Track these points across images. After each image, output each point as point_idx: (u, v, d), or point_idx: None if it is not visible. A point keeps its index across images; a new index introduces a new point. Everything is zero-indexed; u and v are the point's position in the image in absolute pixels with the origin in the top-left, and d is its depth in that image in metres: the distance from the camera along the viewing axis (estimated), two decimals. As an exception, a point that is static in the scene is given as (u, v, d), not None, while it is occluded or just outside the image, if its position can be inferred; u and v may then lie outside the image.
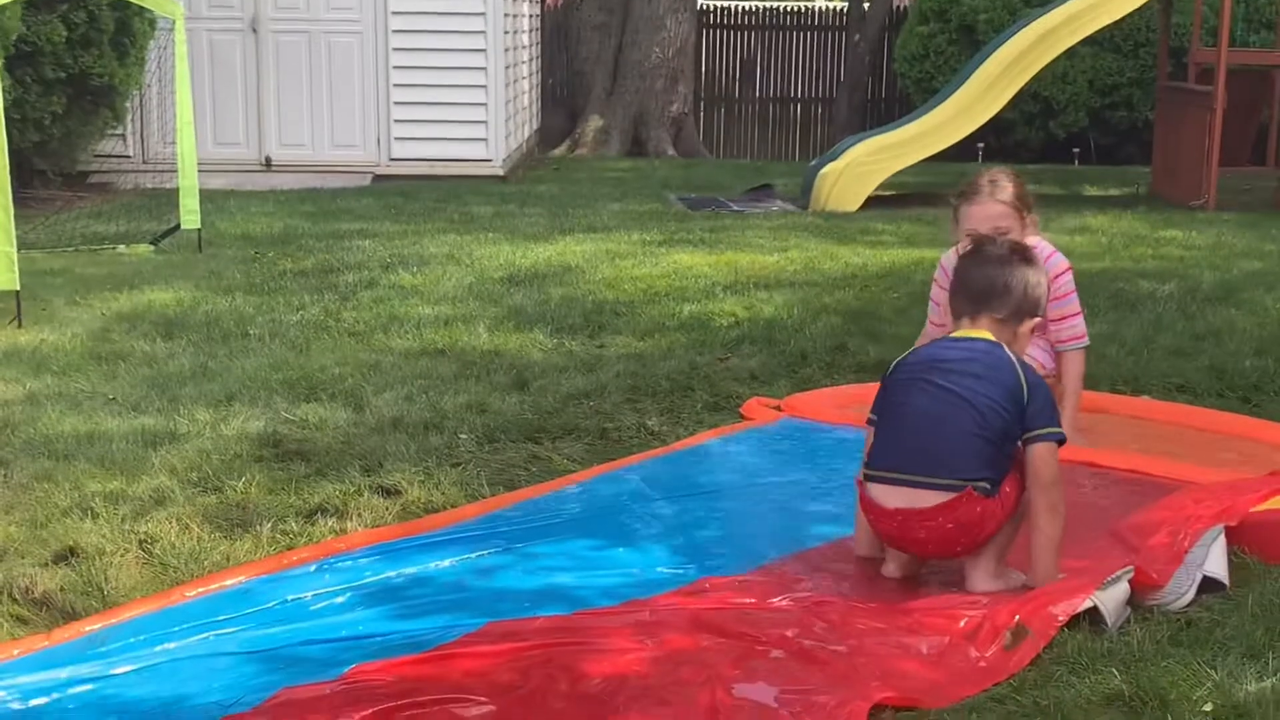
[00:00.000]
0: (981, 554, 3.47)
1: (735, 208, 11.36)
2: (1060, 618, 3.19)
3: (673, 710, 2.80)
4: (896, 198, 11.48)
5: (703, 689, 2.88)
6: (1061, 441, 3.49)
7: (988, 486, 3.41)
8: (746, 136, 19.04)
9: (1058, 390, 4.46)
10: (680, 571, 3.60)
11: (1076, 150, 15.56)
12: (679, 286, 7.34)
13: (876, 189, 11.14)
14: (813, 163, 12.14)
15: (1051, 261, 4.59)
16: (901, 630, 3.20)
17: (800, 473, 4.44)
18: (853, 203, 10.89)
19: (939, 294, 4.81)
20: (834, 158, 11.31)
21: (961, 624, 3.20)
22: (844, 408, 5.01)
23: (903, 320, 6.36)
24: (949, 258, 4.67)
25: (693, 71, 18.19)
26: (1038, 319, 3.72)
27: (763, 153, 18.68)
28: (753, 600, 3.37)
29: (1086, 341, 4.77)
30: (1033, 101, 15.22)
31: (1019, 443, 3.48)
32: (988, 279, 3.64)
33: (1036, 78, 12.01)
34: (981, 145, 14.72)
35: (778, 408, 5.14)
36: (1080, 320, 4.76)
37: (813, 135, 18.86)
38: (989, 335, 3.59)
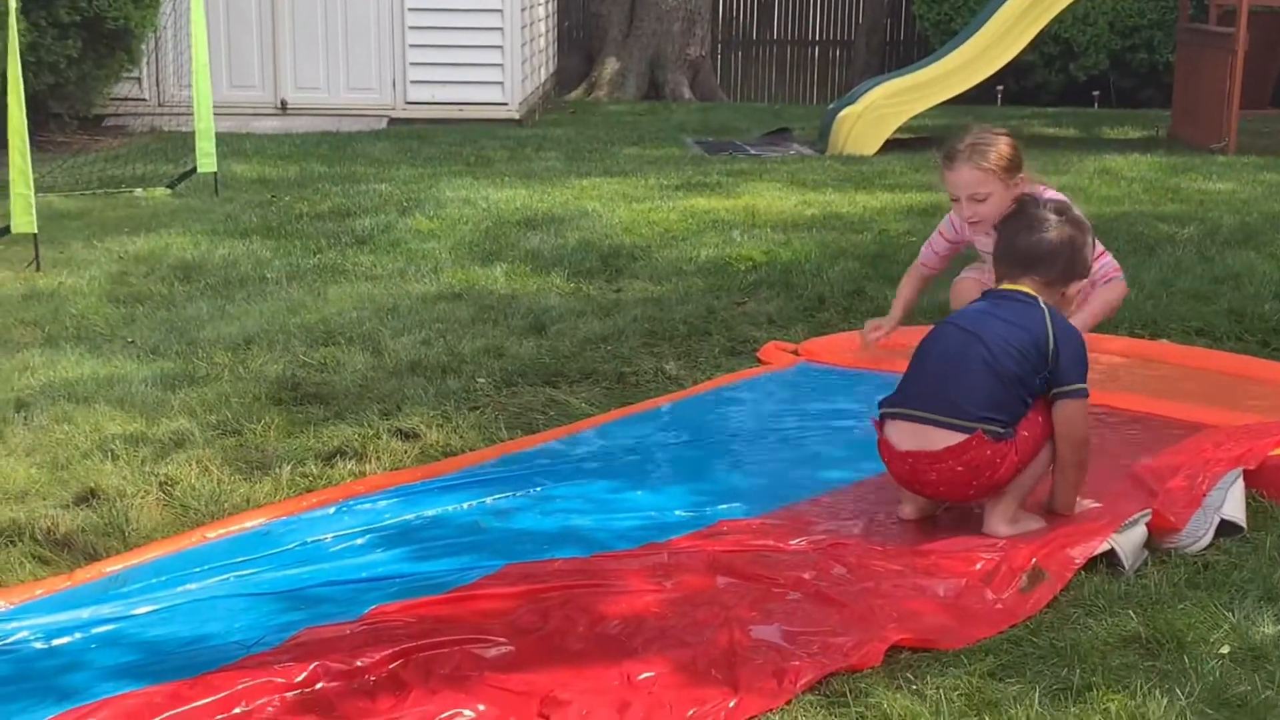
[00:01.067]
0: (1000, 498, 3.47)
1: (752, 151, 11.30)
2: (1077, 560, 3.20)
3: (690, 651, 2.81)
4: (915, 141, 11.40)
5: (720, 630, 2.90)
6: (1084, 396, 3.50)
7: (999, 430, 3.41)
8: (764, 79, 18.90)
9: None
10: (697, 514, 3.61)
11: (1096, 93, 15.43)
12: (696, 230, 7.31)
13: (895, 132, 11.07)
14: (830, 106, 12.06)
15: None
16: (918, 572, 3.21)
17: (817, 417, 4.44)
18: (871, 146, 10.82)
19: (938, 241, 4.69)
20: (852, 101, 11.24)
21: (978, 566, 3.21)
22: (861, 352, 5.00)
23: (921, 264, 6.33)
24: (944, 223, 4.66)
25: (710, 14, 18.05)
26: (1085, 280, 3.75)
27: (780, 96, 18.55)
28: (770, 543, 3.38)
29: (1121, 275, 4.49)
30: (1053, 43, 15.08)
31: (1047, 396, 3.48)
32: (1032, 245, 3.65)
33: (1057, 19, 11.89)
34: (1001, 88, 14.61)
35: (795, 352, 5.14)
36: (1108, 259, 4.47)
37: (831, 78, 18.72)
38: (1030, 290, 3.61)
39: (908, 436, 3.48)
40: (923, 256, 4.79)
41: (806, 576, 3.17)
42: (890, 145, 10.91)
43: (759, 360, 5.07)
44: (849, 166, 10.00)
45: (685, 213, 7.83)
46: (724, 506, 3.67)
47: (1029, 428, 3.46)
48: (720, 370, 4.94)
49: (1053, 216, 3.68)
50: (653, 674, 2.73)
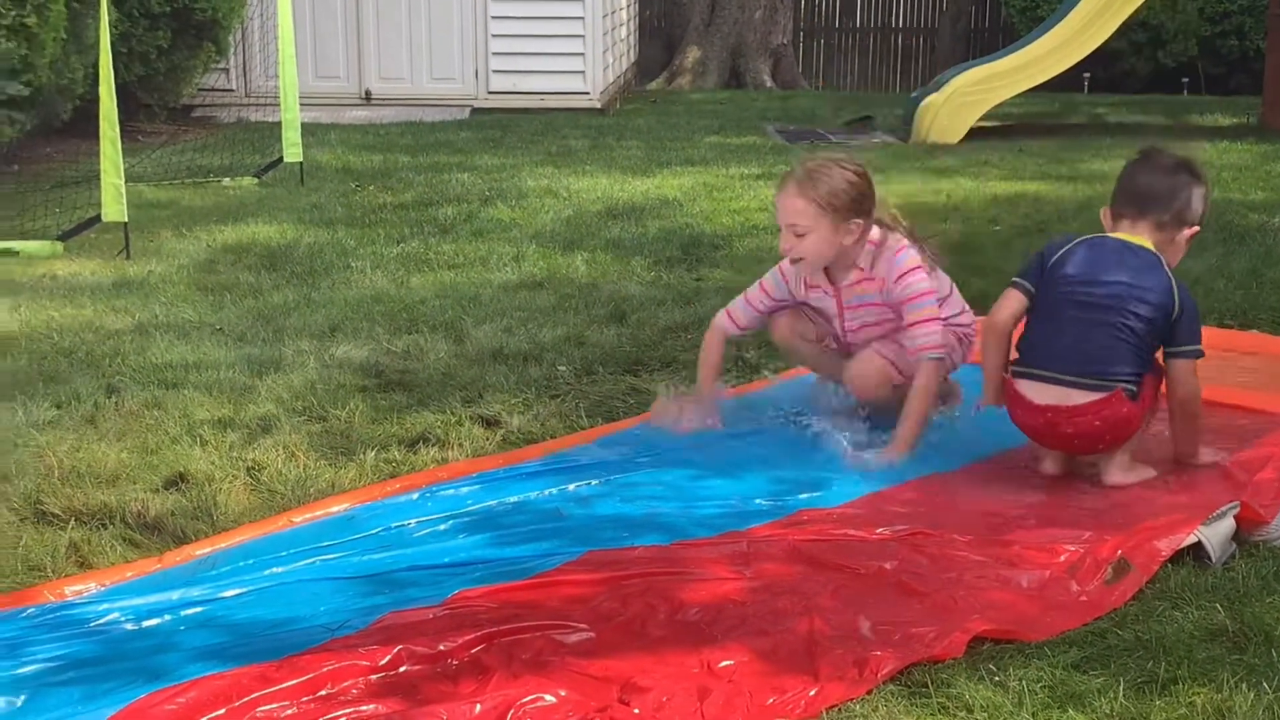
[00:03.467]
0: (1118, 449, 3.67)
1: (834, 140, 11.25)
2: (1164, 552, 3.16)
3: (771, 640, 2.81)
4: (1000, 129, 11.29)
5: (800, 619, 2.90)
6: (1200, 357, 3.71)
7: (1133, 389, 3.61)
8: (846, 67, 18.79)
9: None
10: (778, 503, 3.60)
11: (1186, 80, 15.18)
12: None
13: (979, 120, 10.96)
14: (914, 94, 11.96)
15: (899, 259, 3.97)
16: (1001, 563, 3.18)
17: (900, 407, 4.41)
18: (955, 134, 10.72)
19: (758, 297, 4.18)
20: (936, 89, 11.14)
21: (1062, 558, 3.18)
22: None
23: (1005, 253, 6.27)
24: (768, 278, 4.17)
25: (792, 1, 17.97)
26: (1196, 228, 3.81)
27: (863, 84, 18.44)
28: (851, 532, 3.37)
29: (939, 355, 3.95)
30: (1141, 30, 14.85)
31: (1160, 352, 3.69)
32: (1154, 184, 3.77)
33: (1145, 5, 11.70)
34: (1088, 75, 14.43)
35: (877, 341, 5.10)
36: (934, 330, 3.94)
37: (914, 66, 18.56)
38: (1149, 244, 3.72)
39: (1045, 393, 3.66)
40: (732, 312, 4.21)
41: (888, 566, 3.16)
42: (974, 133, 10.80)
43: (841, 349, 5.04)
44: (932, 154, 9.91)
45: (766, 201, 7.80)
46: (805, 495, 3.66)
47: (1148, 384, 3.66)
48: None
49: (1173, 160, 3.79)
50: (733, 662, 2.73)
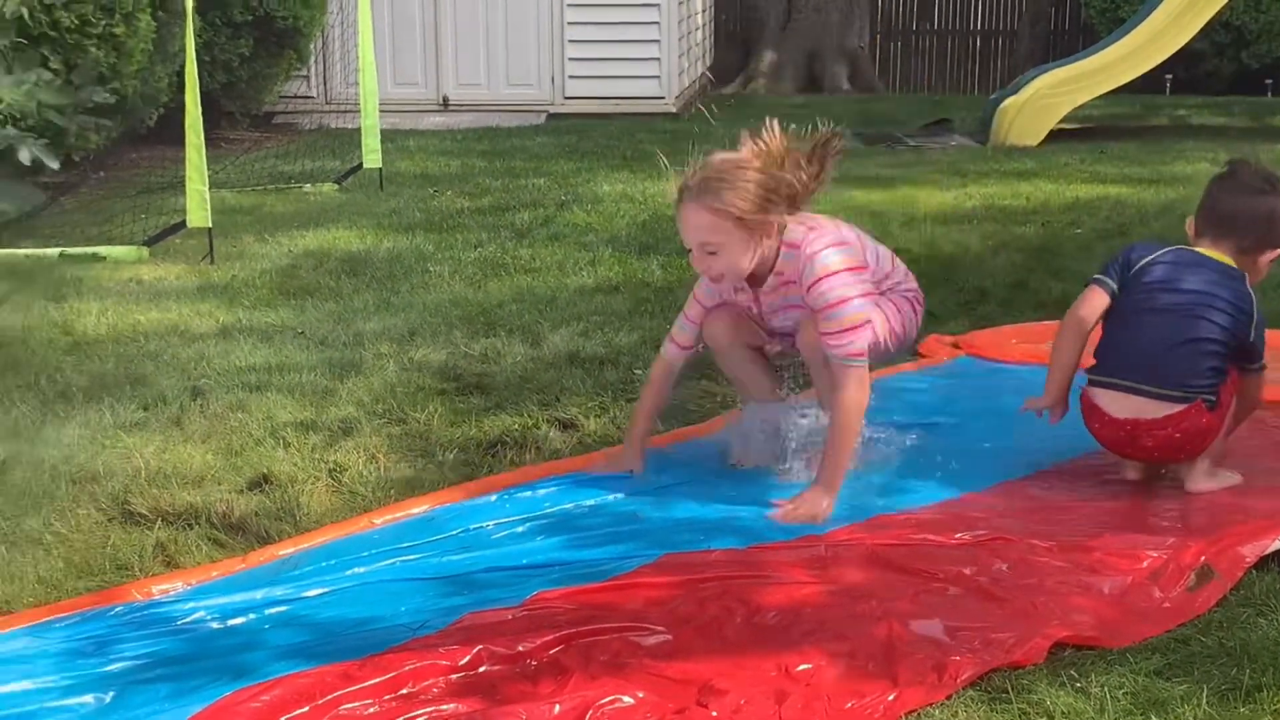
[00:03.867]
0: (1199, 457, 3.66)
1: (912, 143, 11.17)
2: (1248, 559, 3.12)
3: (849, 644, 2.81)
4: (1081, 131, 11.16)
5: (879, 623, 2.89)
6: (1264, 369, 3.73)
7: (1212, 399, 3.59)
8: (924, 70, 18.66)
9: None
10: (856, 507, 3.59)
11: (1269, 81, 14.92)
12: (854, 222, 7.25)
13: (1060, 123, 10.85)
14: (993, 96, 11.86)
15: (814, 264, 3.58)
16: (1083, 569, 3.16)
17: (978, 412, 4.38)
18: (1035, 137, 10.62)
19: (695, 312, 3.85)
20: (1015, 91, 11.04)
21: (1145, 564, 3.15)
22: (1025, 345, 4.92)
23: (1086, 256, 6.21)
24: (700, 288, 3.83)
25: (869, 4, 17.89)
26: (1278, 251, 3.77)
27: (940, 87, 18.30)
28: (929, 537, 3.36)
29: (861, 362, 3.57)
30: (1224, 31, 14.62)
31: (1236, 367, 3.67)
32: (1237, 210, 3.73)
33: (1228, 6, 11.53)
34: (1170, 76, 14.22)
35: (956, 345, 5.08)
36: (858, 337, 3.56)
37: (992, 68, 18.40)
38: (1229, 260, 3.69)
39: (1124, 405, 3.63)
40: (675, 336, 3.87)
41: (967, 571, 3.14)
42: (1055, 136, 10.70)
43: (918, 354, 5.02)
44: (1012, 157, 9.83)
45: (842, 205, 7.77)
46: (882, 500, 3.65)
47: (1226, 394, 3.64)
48: (887, 363, 4.89)
49: (1260, 180, 3.73)
50: (810, 666, 2.73)
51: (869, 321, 3.62)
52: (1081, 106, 11.08)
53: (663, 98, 12.87)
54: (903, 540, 3.34)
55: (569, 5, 12.74)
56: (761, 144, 3.58)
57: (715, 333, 3.86)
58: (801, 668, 2.72)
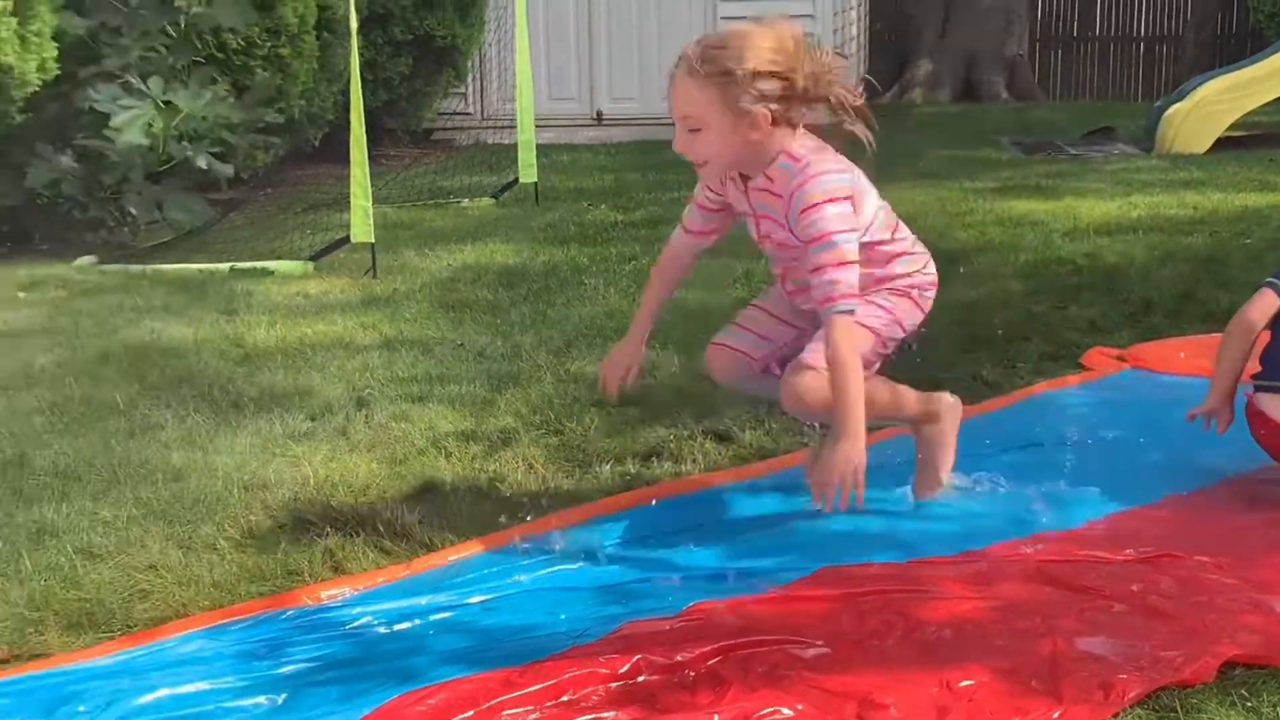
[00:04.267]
0: None
1: (1073, 152, 10.97)
2: None
3: (1012, 660, 2.77)
4: (1249, 139, 10.85)
5: (1043, 640, 2.84)
6: None
7: None
8: (1084, 77, 18.29)
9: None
10: (1018, 522, 3.54)
11: None
12: (1014, 234, 7.16)
13: (1227, 130, 10.55)
14: (1157, 103, 11.59)
15: (808, 187, 3.20)
16: (1255, 587, 3.07)
17: (1144, 426, 4.28)
18: (1201, 144, 10.35)
19: (703, 195, 3.49)
20: (1180, 97, 10.77)
21: (1322, 583, 3.05)
22: (1192, 358, 4.80)
23: (1255, 267, 6.03)
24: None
25: (1028, 11, 17.60)
26: None
27: (1102, 94, 17.92)
28: (1094, 553, 3.29)
29: (848, 305, 3.17)
30: (1404, 31, 14.11)
31: None
32: None
33: None
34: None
35: (1121, 358, 4.97)
36: (843, 274, 3.15)
37: (1156, 75, 17.97)
38: None
39: None
40: (685, 221, 3.55)
41: (1134, 589, 3.07)
42: (1222, 143, 10.42)
43: (1082, 366, 4.93)
44: (1178, 166, 9.60)
45: (1002, 216, 7.67)
46: (1046, 515, 3.58)
47: None
48: (1041, 377, 4.82)
49: None
50: (973, 681, 2.69)
51: (856, 262, 3.19)
52: (1251, 113, 10.77)
53: (816, 109, 12.83)
54: (1067, 556, 3.28)
55: (722, 18, 12.77)
56: (789, 40, 3.14)
57: (717, 370, 3.65)
58: (964, 683, 2.69)
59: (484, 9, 12.22)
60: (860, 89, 3.35)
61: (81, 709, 2.69)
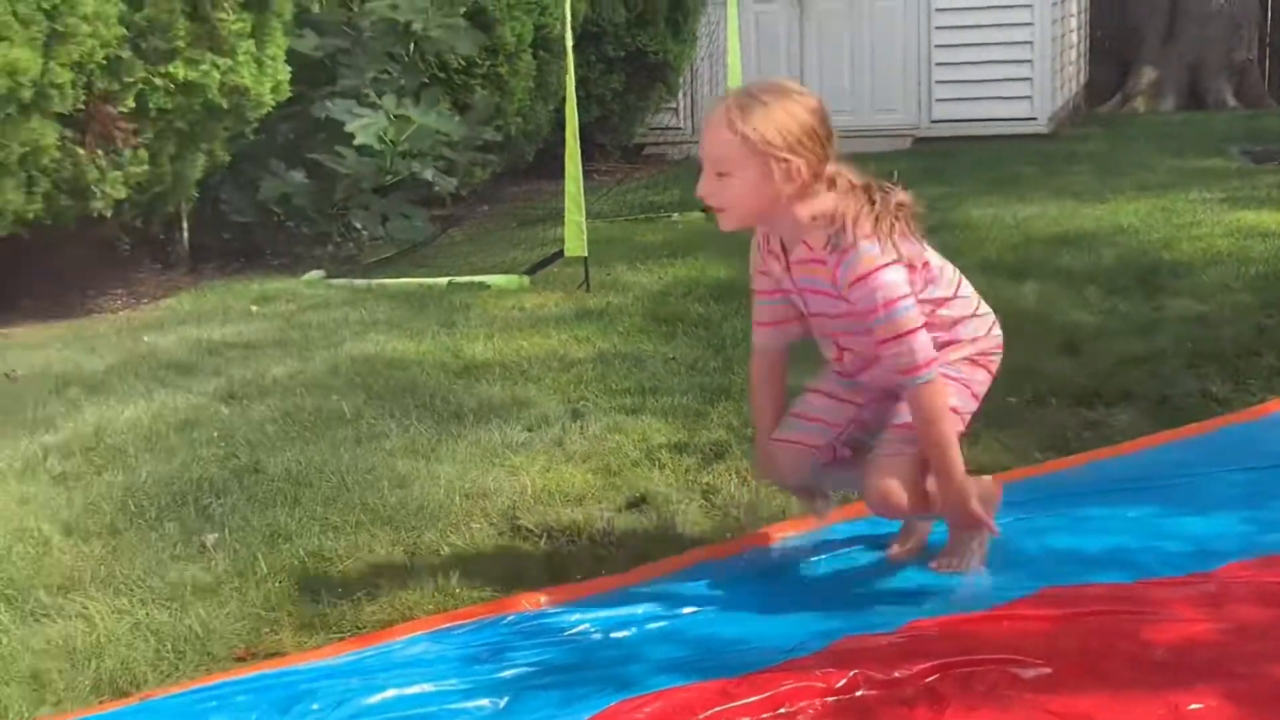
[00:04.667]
0: None
1: (1306, 160, 10.52)
2: None
3: (1246, 685, 2.67)
4: None
5: (1276, 664, 2.74)
6: None
7: None
8: (1318, 82, 17.50)
9: None
10: (1250, 544, 3.41)
11: None
12: (1244, 246, 6.90)
13: None
14: (1398, 107, 11.04)
15: (852, 256, 3.05)
16: None
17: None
18: None
19: (757, 282, 3.37)
20: None
21: None
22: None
23: None
24: (752, 265, 3.35)
25: (1258, 15, 16.93)
26: None
27: (1337, 99, 17.12)
28: (1332, 576, 3.16)
29: (929, 375, 3.08)
30: None
31: None
32: None
33: None
34: None
35: (1360, 374, 4.75)
36: (914, 342, 3.05)
37: (1396, 77, 17.09)
38: None
39: None
40: (756, 318, 3.39)
41: (1376, 614, 2.94)
42: None
43: (1309, 386, 4.73)
44: None
45: (1231, 227, 7.41)
46: (1275, 535, 3.45)
47: None
48: (1274, 393, 4.64)
49: None
50: (1202, 706, 2.61)
51: (922, 327, 3.08)
52: None
53: (1034, 118, 12.58)
54: (1302, 579, 3.15)
55: (937, 28, 12.63)
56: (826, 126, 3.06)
57: (784, 468, 3.41)
58: (1193, 707, 2.60)
59: (696, 24, 12.31)
60: None
61: (315, 707, 2.80)
